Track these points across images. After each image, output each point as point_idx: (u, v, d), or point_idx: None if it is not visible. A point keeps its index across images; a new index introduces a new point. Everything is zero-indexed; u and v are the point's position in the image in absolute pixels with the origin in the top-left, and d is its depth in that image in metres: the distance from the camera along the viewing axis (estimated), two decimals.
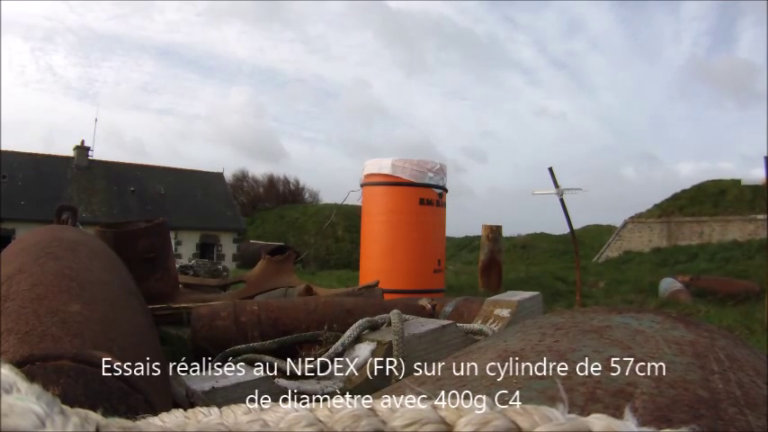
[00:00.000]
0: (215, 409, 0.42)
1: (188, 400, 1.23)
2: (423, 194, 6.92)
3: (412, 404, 0.34)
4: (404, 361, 1.77)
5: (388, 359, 1.81)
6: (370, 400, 0.36)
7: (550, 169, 7.40)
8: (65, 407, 0.36)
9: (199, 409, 0.43)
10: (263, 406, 0.40)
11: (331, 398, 0.38)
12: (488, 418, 0.32)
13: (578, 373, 0.64)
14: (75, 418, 0.37)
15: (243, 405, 0.41)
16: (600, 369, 0.65)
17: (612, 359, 0.68)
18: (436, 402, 0.34)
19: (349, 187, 8.13)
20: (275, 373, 1.86)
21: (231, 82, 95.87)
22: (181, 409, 0.45)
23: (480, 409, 0.33)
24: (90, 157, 28.48)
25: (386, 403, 0.35)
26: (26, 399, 0.34)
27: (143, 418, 0.46)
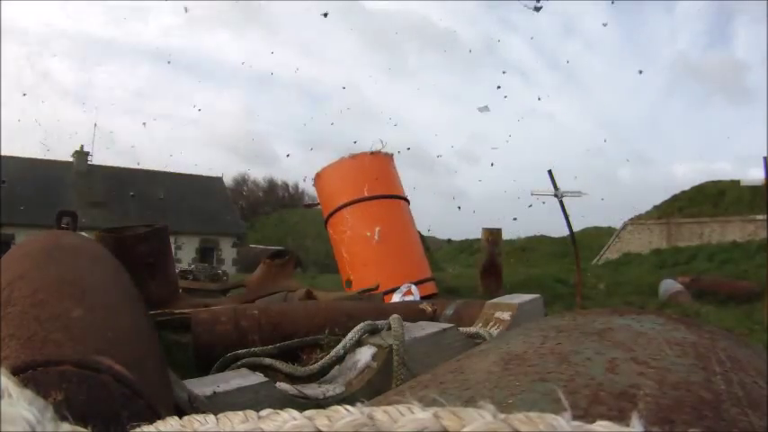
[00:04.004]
0: (211, 417, 0.42)
1: (190, 405, 1.23)
2: None
3: (413, 412, 0.34)
4: (405, 365, 1.77)
5: (389, 363, 1.81)
6: (371, 408, 0.35)
7: (550, 172, 7.42)
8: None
9: (195, 417, 0.43)
10: (260, 414, 0.40)
11: (333, 402, 0.38)
12: (491, 428, 0.31)
13: (581, 375, 0.64)
14: (67, 425, 0.37)
15: (240, 413, 0.41)
16: (602, 371, 0.65)
17: (615, 361, 0.68)
18: (438, 410, 0.33)
19: None
20: (276, 377, 1.85)
21: (223, 86, 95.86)
22: (176, 417, 0.45)
23: (483, 417, 0.32)
24: (89, 163, 28.49)
25: (386, 411, 0.34)
26: (18, 405, 0.34)
27: (139, 426, 0.46)
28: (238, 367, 1.86)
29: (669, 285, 9.33)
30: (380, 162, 7.70)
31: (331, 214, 7.53)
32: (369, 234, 7.09)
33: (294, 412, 0.37)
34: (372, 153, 7.60)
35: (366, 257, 7.07)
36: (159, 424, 0.45)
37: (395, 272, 6.52)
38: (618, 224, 26.54)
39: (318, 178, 7.91)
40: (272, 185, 44.11)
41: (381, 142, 7.77)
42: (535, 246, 34.06)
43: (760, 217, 19.60)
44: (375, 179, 7.40)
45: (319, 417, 0.35)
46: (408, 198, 7.97)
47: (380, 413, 0.34)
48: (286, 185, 44.63)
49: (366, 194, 7.25)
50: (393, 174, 7.89)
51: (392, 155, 7.99)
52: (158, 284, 3.27)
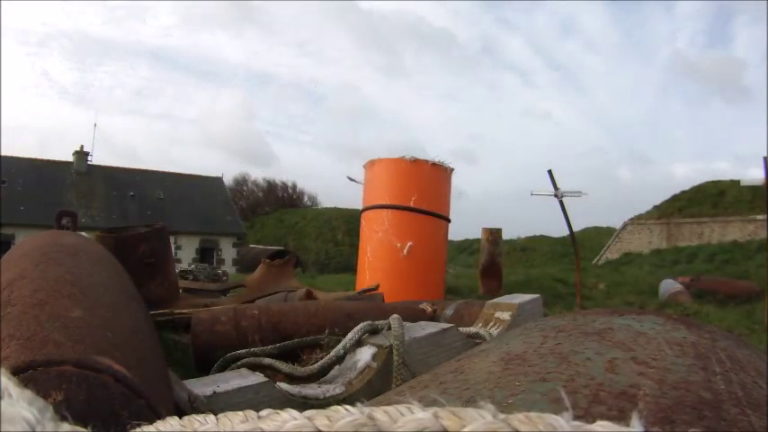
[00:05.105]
0: (211, 417, 0.42)
1: (190, 405, 1.23)
2: None
3: (413, 412, 0.34)
4: (405, 365, 1.77)
5: (389, 363, 1.81)
6: (371, 408, 0.35)
7: (550, 171, 7.41)
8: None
9: (195, 417, 0.43)
10: (260, 414, 0.39)
11: (333, 402, 0.38)
12: (491, 428, 0.31)
13: (581, 375, 0.64)
14: (67, 425, 0.37)
15: (240, 413, 0.41)
16: (602, 371, 0.65)
17: (615, 361, 0.68)
18: (438, 410, 0.33)
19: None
20: (276, 377, 1.85)
21: (222, 85, 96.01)
22: (176, 417, 0.45)
23: (483, 417, 0.32)
24: (89, 163, 28.49)
25: (386, 411, 0.34)
26: (18, 405, 0.34)
27: (138, 425, 0.46)
28: (238, 367, 1.86)
29: (669, 285, 9.33)
30: (438, 175, 7.42)
31: (370, 208, 7.41)
32: (399, 245, 6.98)
33: (294, 412, 0.37)
34: (434, 164, 7.40)
35: (387, 266, 6.92)
36: (159, 424, 0.45)
37: (409, 291, 6.31)
38: (618, 224, 26.54)
39: (371, 165, 7.65)
40: (271, 185, 44.20)
41: (440, 159, 7.53)
42: (535, 246, 34.06)
43: (760, 217, 19.59)
44: (426, 192, 7.17)
45: (319, 417, 0.35)
46: (450, 218, 7.73)
47: (380, 413, 0.34)
48: (285, 186, 44.72)
49: (412, 205, 7.02)
50: (446, 191, 7.60)
51: (452, 169, 7.67)
52: (158, 284, 3.28)
